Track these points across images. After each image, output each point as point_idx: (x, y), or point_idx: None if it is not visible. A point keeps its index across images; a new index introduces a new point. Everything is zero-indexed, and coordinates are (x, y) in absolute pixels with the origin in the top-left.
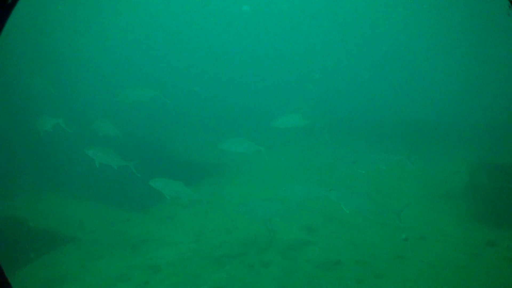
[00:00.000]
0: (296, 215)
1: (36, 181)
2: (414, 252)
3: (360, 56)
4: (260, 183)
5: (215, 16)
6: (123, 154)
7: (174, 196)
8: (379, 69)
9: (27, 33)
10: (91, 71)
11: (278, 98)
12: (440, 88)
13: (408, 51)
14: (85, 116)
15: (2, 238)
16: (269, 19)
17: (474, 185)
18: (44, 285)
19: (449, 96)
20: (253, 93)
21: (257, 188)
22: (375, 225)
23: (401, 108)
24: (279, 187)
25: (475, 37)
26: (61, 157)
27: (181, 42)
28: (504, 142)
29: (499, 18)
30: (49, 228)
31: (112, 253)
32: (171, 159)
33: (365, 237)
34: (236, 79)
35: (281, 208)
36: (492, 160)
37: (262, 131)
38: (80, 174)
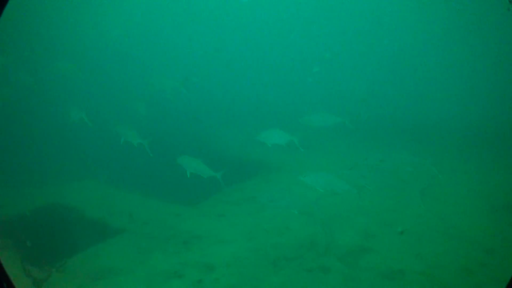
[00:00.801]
0: (351, 219)
1: (79, 170)
2: (482, 266)
3: (362, 52)
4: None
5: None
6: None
7: (194, 172)
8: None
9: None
10: (123, 59)
11: (308, 95)
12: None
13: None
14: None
15: (52, 225)
16: (267, 12)
17: None
18: (97, 275)
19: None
20: (280, 89)
21: (304, 188)
22: (439, 235)
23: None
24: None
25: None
26: (106, 148)
27: (215, 38)
28: None
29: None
30: (99, 218)
31: (164, 248)
32: (215, 155)
33: (428, 246)
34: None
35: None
36: None
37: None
38: (125, 167)
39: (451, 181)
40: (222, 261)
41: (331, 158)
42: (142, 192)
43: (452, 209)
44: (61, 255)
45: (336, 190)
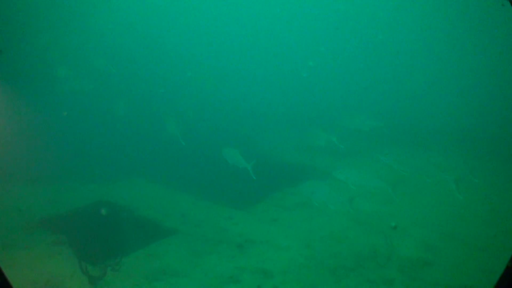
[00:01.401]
0: (411, 231)
1: (128, 168)
2: None
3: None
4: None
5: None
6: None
7: (233, 162)
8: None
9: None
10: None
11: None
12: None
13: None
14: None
15: (103, 222)
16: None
17: None
18: (153, 276)
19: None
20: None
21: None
22: (507, 251)
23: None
24: None
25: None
26: (156, 147)
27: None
28: None
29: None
30: (152, 218)
31: (219, 251)
32: (267, 160)
33: (496, 263)
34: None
35: None
36: None
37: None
38: (174, 166)
39: None
40: (279, 268)
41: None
42: (191, 192)
43: None
44: (115, 253)
45: (369, 187)
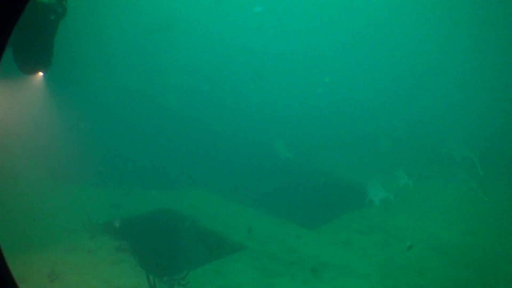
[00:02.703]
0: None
1: (192, 178)
2: None
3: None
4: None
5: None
6: None
7: (280, 153)
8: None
9: None
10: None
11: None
12: None
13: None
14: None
15: (166, 231)
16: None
17: None
18: None
19: None
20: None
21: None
22: None
23: None
24: None
25: None
26: (219, 159)
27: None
28: None
29: None
30: (216, 230)
31: (291, 273)
32: (330, 177)
33: None
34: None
35: None
36: None
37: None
38: (238, 180)
39: None
40: None
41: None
42: (254, 206)
43: None
44: (181, 267)
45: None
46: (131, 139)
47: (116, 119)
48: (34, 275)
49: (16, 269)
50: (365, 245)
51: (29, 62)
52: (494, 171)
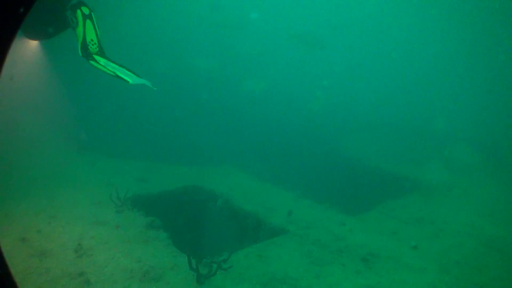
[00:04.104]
0: None
1: (222, 155)
2: None
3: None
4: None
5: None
6: None
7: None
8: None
9: None
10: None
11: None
12: None
13: None
14: None
15: (200, 209)
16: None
17: None
18: (273, 285)
19: None
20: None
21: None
22: None
23: None
24: None
25: None
26: (255, 140)
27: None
28: None
29: None
30: (252, 211)
31: (342, 263)
32: (355, 163)
33: None
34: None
35: None
36: None
37: None
38: (272, 160)
39: None
40: None
41: None
42: (290, 188)
43: None
44: (219, 248)
45: None
46: (158, 113)
47: (146, 92)
48: (60, 250)
49: (40, 242)
50: (413, 237)
51: (37, 27)
52: None
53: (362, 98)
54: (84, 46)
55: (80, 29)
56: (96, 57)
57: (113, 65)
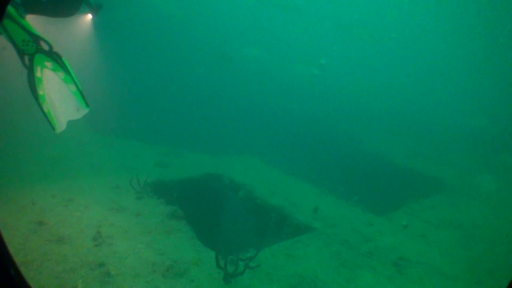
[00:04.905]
0: None
1: (242, 144)
2: None
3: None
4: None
5: None
6: None
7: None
8: None
9: None
10: None
11: None
12: None
13: None
14: None
15: (222, 199)
16: None
17: None
18: (299, 286)
19: None
20: None
21: None
22: None
23: None
24: None
25: None
26: (278, 130)
27: None
28: None
29: None
30: (277, 205)
31: (372, 266)
32: (379, 159)
33: None
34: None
35: None
36: None
37: None
38: (296, 153)
39: None
40: None
41: None
42: (314, 183)
43: None
44: (244, 244)
45: None
46: (181, 100)
47: (170, 79)
48: (78, 236)
49: (58, 227)
50: (443, 241)
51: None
52: None
53: (393, 92)
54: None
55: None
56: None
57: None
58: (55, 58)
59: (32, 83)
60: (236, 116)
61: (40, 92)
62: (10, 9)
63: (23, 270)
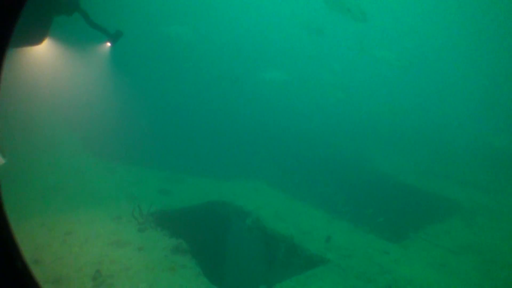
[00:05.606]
0: None
1: (247, 168)
2: None
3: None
4: None
5: None
6: None
7: None
8: None
9: None
10: None
11: None
12: None
13: None
14: None
15: (228, 229)
16: None
17: None
18: None
19: None
20: None
21: None
22: None
23: None
24: None
25: None
26: (285, 154)
27: None
28: None
29: None
30: (286, 234)
31: None
32: (392, 181)
33: None
34: None
35: None
36: None
37: None
38: (303, 177)
39: None
40: None
41: None
42: (324, 208)
43: None
44: (254, 280)
45: None
46: (183, 123)
47: (172, 103)
48: (76, 276)
49: (55, 265)
50: (464, 270)
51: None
52: None
53: (401, 108)
54: None
55: None
56: None
57: None
58: None
59: None
60: (242, 138)
61: None
62: None
63: None
